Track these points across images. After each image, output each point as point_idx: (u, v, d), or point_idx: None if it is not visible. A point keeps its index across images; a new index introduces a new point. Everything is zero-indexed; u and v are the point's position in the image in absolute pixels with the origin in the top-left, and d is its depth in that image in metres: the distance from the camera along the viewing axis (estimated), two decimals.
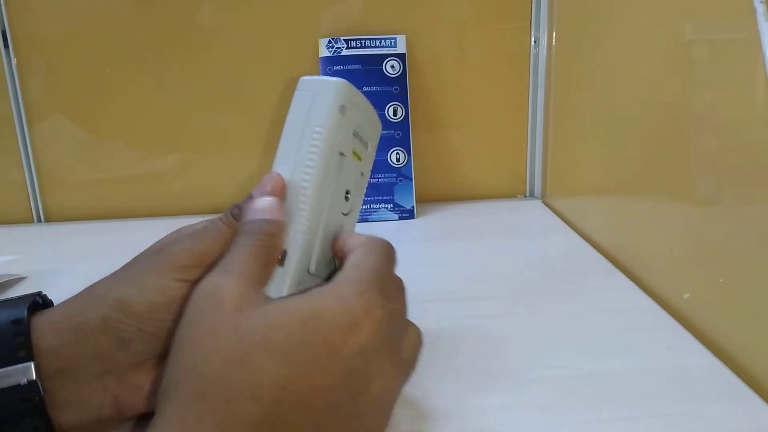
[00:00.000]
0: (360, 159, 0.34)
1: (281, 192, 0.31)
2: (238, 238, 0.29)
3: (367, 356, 0.26)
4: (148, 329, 0.29)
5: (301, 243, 0.30)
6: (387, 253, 0.30)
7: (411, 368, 0.30)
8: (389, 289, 0.29)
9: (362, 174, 0.35)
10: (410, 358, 0.30)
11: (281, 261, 0.30)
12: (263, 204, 0.30)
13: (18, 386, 0.27)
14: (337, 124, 0.31)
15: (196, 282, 0.28)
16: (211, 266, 0.29)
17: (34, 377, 0.27)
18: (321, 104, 0.31)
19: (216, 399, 0.24)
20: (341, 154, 0.32)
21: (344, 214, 0.34)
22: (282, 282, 0.30)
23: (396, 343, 0.28)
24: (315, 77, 0.32)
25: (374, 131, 0.36)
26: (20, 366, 0.27)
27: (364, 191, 0.37)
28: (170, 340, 0.27)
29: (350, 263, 0.29)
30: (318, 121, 0.31)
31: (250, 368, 0.24)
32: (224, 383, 0.24)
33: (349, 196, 0.34)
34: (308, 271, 0.31)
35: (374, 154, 0.37)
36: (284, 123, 0.32)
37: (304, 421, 0.24)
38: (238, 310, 0.26)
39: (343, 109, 0.31)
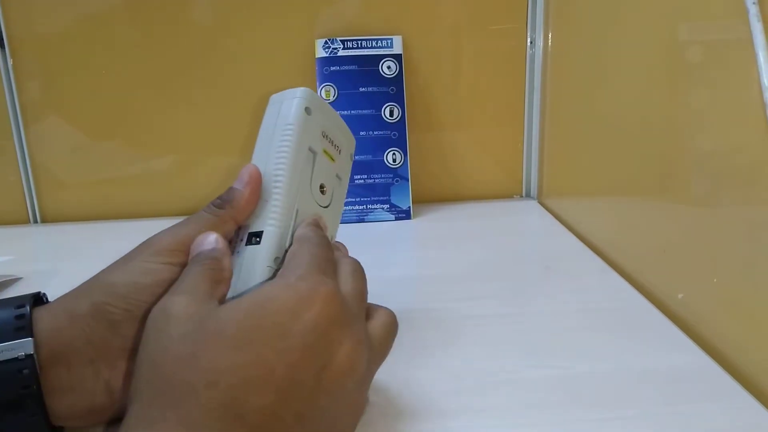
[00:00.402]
0: (333, 160, 0.38)
1: (257, 179, 0.33)
2: (187, 267, 0.31)
3: (321, 331, 0.27)
4: (135, 311, 0.30)
5: (276, 222, 0.33)
6: (319, 240, 0.32)
7: (383, 348, 0.31)
8: (333, 270, 0.31)
9: (338, 177, 0.39)
10: (380, 336, 0.31)
11: (258, 241, 0.32)
12: (205, 238, 0.32)
13: (15, 361, 0.28)
14: (303, 121, 0.35)
15: (182, 266, 0.31)
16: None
17: (32, 351, 0.28)
18: (288, 107, 0.35)
19: (175, 393, 0.25)
20: (311, 149, 0.36)
21: (323, 207, 0.37)
22: (257, 256, 0.32)
23: (354, 318, 0.29)
24: (281, 91, 0.36)
25: (346, 138, 0.40)
26: (19, 341, 0.28)
27: (345, 193, 0.41)
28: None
29: (288, 257, 0.31)
30: (287, 120, 0.35)
31: (204, 360, 0.25)
32: (181, 377, 0.25)
33: (324, 189, 0.37)
34: (285, 248, 0.33)
35: (350, 162, 0.41)
36: (258, 129, 0.36)
37: (266, 400, 0.25)
38: (188, 317, 0.27)
39: (308, 110, 0.35)
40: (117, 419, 0.30)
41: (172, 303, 0.28)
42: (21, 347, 0.28)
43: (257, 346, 0.25)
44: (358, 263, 0.33)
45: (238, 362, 0.25)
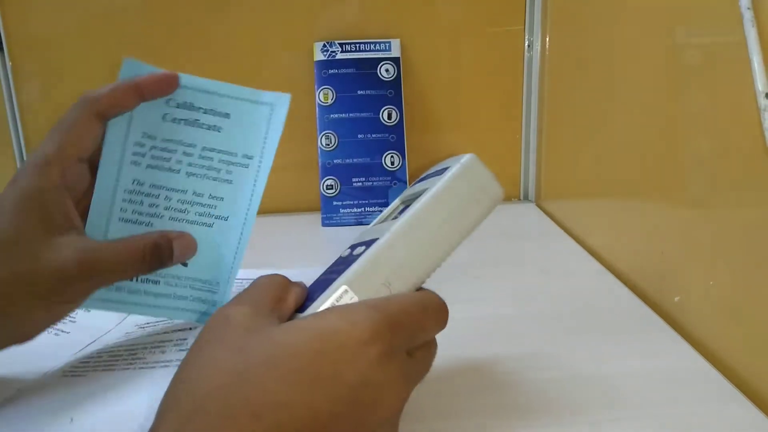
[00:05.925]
0: None
1: None
2: (256, 280, 0.31)
3: (373, 386, 0.25)
4: None
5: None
6: (434, 308, 0.30)
7: (419, 376, 0.29)
8: (409, 336, 0.28)
9: None
10: (421, 369, 0.29)
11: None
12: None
13: None
14: None
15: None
16: None
17: None
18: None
19: (216, 414, 0.23)
20: None
21: None
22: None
23: (406, 386, 0.27)
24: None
25: None
26: None
27: None
28: None
29: (388, 295, 0.29)
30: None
31: (252, 385, 0.24)
32: (225, 398, 0.24)
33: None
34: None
35: None
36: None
37: None
38: (246, 330, 0.26)
39: None
40: None
41: (234, 312, 0.27)
42: None
43: (307, 381, 0.24)
44: (435, 347, 0.31)
45: (284, 396, 0.24)
